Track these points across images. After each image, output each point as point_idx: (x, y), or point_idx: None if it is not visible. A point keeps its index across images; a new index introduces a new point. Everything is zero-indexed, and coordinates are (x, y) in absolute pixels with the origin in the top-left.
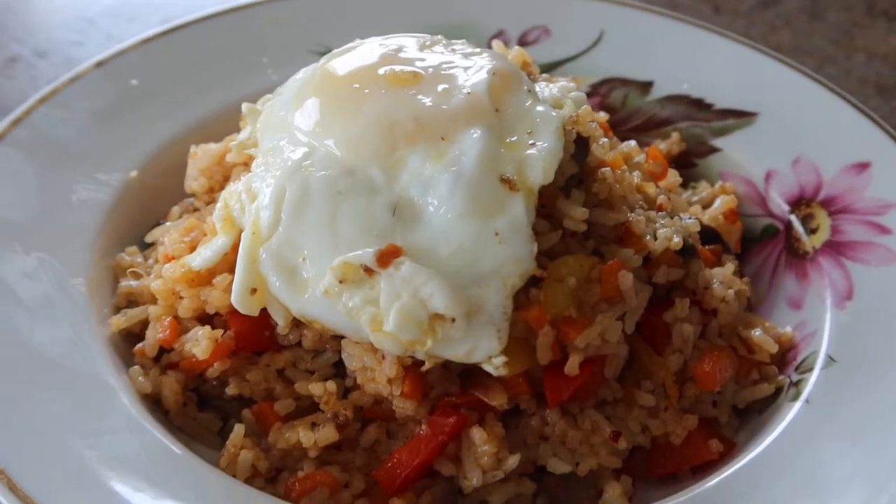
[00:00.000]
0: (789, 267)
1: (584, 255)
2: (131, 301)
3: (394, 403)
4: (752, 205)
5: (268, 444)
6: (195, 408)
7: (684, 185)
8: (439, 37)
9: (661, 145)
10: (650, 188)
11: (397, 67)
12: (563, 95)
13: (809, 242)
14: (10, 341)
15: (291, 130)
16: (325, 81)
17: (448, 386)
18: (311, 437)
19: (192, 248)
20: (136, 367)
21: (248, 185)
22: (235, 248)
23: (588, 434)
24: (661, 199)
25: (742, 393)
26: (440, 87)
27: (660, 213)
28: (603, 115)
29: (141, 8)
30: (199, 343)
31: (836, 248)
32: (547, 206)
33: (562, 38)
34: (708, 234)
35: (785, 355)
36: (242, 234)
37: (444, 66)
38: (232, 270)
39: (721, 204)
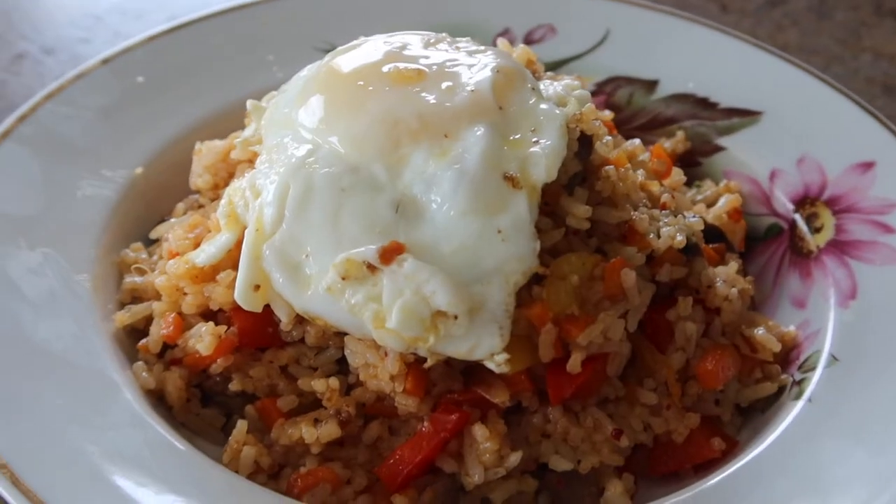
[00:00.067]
0: (793, 266)
1: (586, 253)
2: (135, 297)
3: (396, 400)
4: (757, 203)
5: (270, 440)
6: (198, 404)
7: (689, 184)
8: (444, 34)
9: (666, 144)
10: (654, 186)
11: (401, 65)
12: (567, 93)
13: (813, 241)
14: (15, 336)
15: (296, 127)
16: (330, 79)
17: (450, 383)
18: (313, 433)
19: (197, 245)
20: (140, 362)
21: (251, 182)
22: (239, 244)
23: (590, 432)
24: (665, 197)
25: (745, 391)
26: (444, 85)
27: (663, 211)
28: (608, 114)
29: (148, 5)
30: (203, 339)
31: (840, 247)
32: (550, 203)
33: (567, 37)
34: (712, 232)
35: (788, 354)
36: (246, 231)
37: (449, 63)
38: (236, 267)
39: (725, 202)
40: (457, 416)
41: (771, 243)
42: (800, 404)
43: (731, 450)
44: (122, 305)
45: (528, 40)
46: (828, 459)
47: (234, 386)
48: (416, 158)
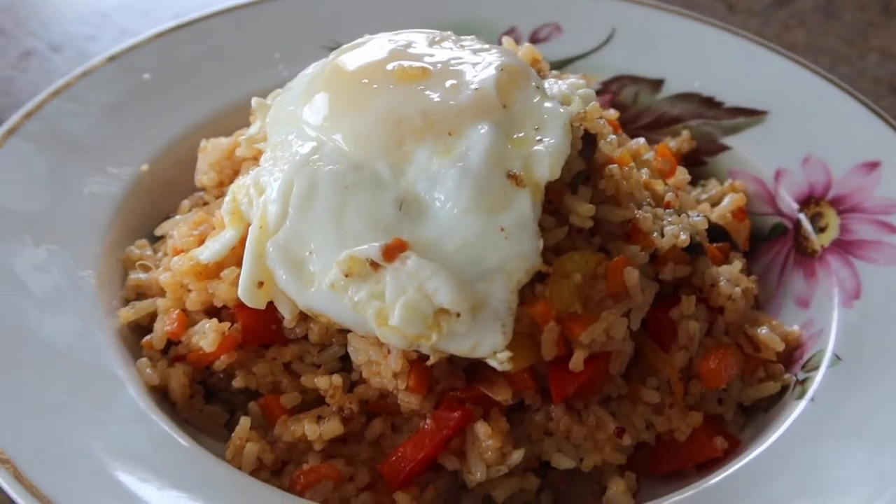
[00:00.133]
0: (797, 265)
1: (590, 252)
2: (140, 293)
3: (399, 397)
4: (762, 203)
5: (273, 436)
6: (202, 400)
7: (694, 183)
8: (448, 33)
9: (672, 143)
10: (658, 185)
11: (406, 63)
12: (571, 92)
13: (818, 241)
14: (20, 332)
15: (300, 125)
16: (335, 76)
17: (453, 380)
18: (316, 430)
19: (201, 242)
20: (144, 359)
21: (256, 179)
22: (243, 241)
23: (592, 430)
24: (669, 196)
25: (748, 391)
26: (448, 83)
27: (667, 210)
28: (613, 113)
29: (155, 3)
30: (207, 336)
31: (844, 246)
32: (553, 202)
33: (573, 36)
34: (716, 231)
35: (791, 353)
36: (250, 228)
37: (453, 61)
38: (240, 264)
39: (730, 202)
40: (459, 413)
41: (775, 243)
42: (803, 404)
43: (734, 449)
44: (126, 302)
45: (534, 39)
46: (830, 459)
47: (237, 382)
48: (420, 156)
